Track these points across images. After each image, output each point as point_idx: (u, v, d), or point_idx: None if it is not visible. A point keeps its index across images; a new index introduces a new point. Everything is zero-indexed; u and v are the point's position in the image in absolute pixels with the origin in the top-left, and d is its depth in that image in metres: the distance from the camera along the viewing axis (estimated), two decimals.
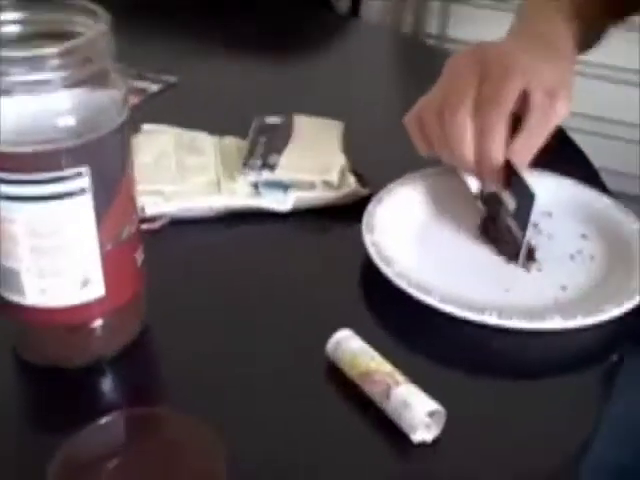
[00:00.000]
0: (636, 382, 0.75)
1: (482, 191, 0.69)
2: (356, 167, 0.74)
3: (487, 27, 1.50)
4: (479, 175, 0.67)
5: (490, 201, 0.68)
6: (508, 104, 0.63)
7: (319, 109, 0.80)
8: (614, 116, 1.45)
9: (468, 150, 0.64)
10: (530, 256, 0.66)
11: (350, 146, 0.76)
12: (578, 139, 0.84)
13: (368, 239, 0.65)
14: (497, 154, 0.64)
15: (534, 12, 0.76)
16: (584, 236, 0.69)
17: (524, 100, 0.64)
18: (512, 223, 0.66)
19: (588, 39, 0.79)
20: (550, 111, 0.64)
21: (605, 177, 0.78)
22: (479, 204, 0.69)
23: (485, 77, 0.64)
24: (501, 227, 0.67)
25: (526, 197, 0.63)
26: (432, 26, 1.54)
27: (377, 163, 0.77)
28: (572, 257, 0.67)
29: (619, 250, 0.67)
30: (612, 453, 0.71)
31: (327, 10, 1.42)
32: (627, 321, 0.60)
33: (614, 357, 0.59)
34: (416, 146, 0.68)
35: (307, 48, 1.04)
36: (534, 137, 0.64)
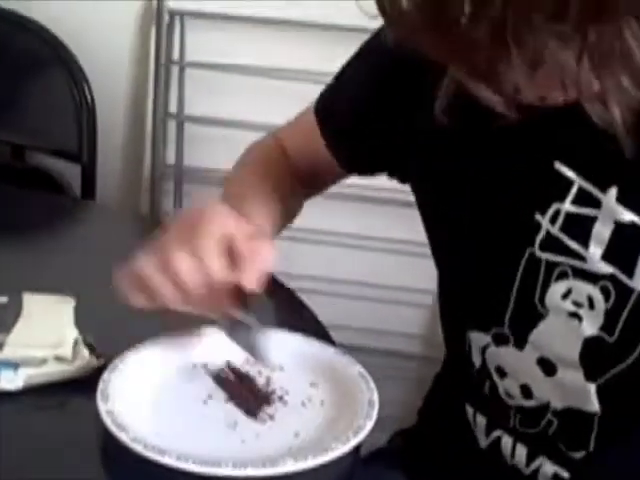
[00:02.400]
0: None
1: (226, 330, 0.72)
2: (90, 340, 0.75)
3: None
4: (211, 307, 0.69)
5: (235, 329, 0.71)
6: (211, 235, 0.67)
7: (50, 287, 0.81)
8: (339, 276, 1.56)
9: (186, 272, 0.66)
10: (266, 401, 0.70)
11: (83, 320, 0.76)
12: (307, 298, 0.90)
13: (103, 408, 0.65)
14: (219, 272, 0.66)
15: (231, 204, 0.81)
16: (313, 384, 0.73)
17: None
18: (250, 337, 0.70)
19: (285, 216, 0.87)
20: (257, 251, 0.68)
21: (334, 331, 0.84)
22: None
23: (190, 223, 0.69)
24: (245, 347, 0.71)
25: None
26: (168, 206, 1.60)
27: (111, 335, 0.78)
28: (304, 404, 0.71)
29: (345, 392, 0.72)
30: None
31: (58, 193, 1.44)
32: (357, 458, 0.64)
33: None
34: (129, 298, 0.69)
35: (37, 230, 1.04)
36: (250, 272, 0.67)
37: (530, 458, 0.76)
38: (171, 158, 1.56)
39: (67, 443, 0.66)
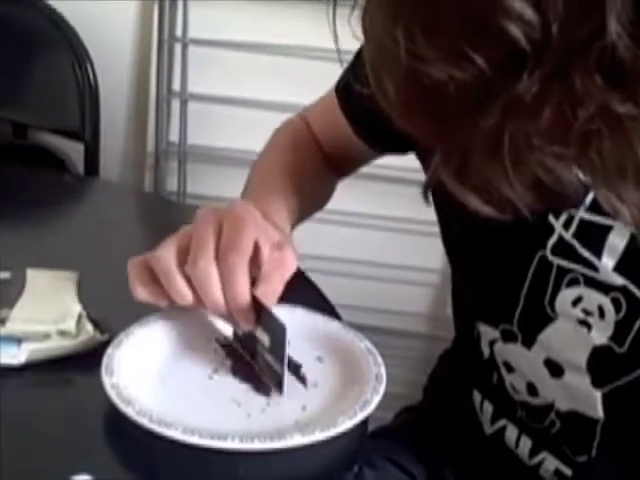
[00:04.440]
0: None
1: (236, 332, 0.71)
2: (94, 315, 0.74)
3: (225, 183, 1.58)
4: (231, 317, 0.68)
5: (247, 341, 0.70)
6: (246, 251, 0.66)
7: (53, 263, 0.80)
8: (346, 256, 1.56)
9: (217, 292, 0.65)
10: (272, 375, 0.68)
11: (86, 295, 0.76)
12: (314, 278, 0.90)
13: (107, 382, 0.64)
14: (243, 294, 0.65)
15: (257, 194, 0.81)
16: (319, 358, 0.73)
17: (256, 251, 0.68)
18: (269, 358, 0.67)
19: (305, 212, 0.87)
20: (281, 263, 0.68)
21: (341, 310, 0.83)
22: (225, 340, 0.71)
23: (223, 228, 0.67)
24: (261, 364, 0.69)
25: (277, 330, 0.65)
26: (172, 184, 1.59)
27: (115, 310, 0.77)
28: (310, 379, 0.70)
29: (352, 367, 0.71)
30: None
31: (62, 170, 1.43)
32: (364, 433, 0.64)
33: (355, 468, 0.62)
34: (134, 290, 0.68)
35: (40, 207, 1.03)
36: (272, 284, 0.67)
37: (534, 451, 0.75)
38: (174, 136, 1.56)
39: (70, 418, 0.65)
